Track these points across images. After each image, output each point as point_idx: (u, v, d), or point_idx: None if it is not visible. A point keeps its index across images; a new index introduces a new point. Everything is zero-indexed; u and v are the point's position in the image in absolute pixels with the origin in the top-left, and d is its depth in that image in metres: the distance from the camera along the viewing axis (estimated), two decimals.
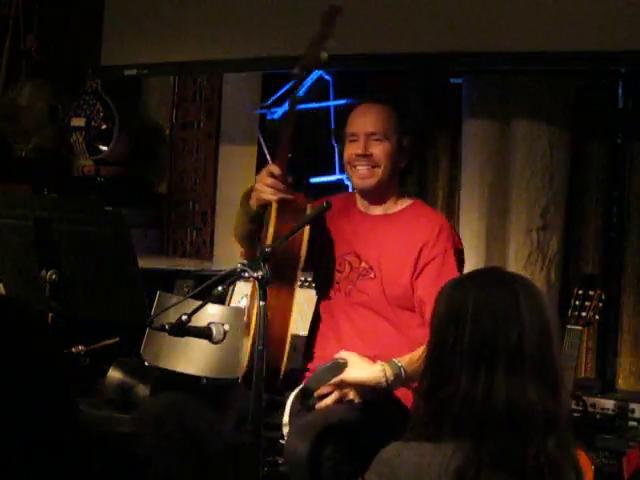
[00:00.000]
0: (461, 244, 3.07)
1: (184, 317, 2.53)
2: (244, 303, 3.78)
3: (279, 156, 3.14)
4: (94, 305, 3.07)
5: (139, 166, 5.28)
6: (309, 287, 3.52)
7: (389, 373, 2.79)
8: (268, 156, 4.80)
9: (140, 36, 4.85)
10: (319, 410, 2.81)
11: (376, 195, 3.08)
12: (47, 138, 5.30)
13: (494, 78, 4.15)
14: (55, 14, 5.42)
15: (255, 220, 3.06)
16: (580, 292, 3.28)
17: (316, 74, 4.65)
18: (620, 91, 4.01)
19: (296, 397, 2.88)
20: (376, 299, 3.00)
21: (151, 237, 5.22)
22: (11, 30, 5.32)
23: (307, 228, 2.94)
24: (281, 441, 2.84)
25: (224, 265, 4.25)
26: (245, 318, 3.05)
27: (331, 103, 4.68)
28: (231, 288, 3.93)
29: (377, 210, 3.10)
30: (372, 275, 3.02)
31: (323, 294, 3.14)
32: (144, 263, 3.65)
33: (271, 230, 2.96)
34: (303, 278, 4.05)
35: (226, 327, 2.57)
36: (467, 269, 4.08)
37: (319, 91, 4.68)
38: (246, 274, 2.52)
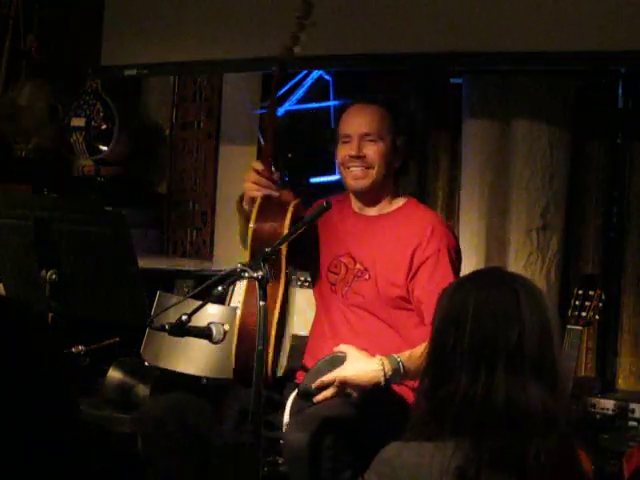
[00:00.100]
0: (456, 241, 3.06)
1: (184, 317, 2.53)
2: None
3: (263, 154, 3.15)
4: (94, 305, 3.07)
5: (139, 166, 5.28)
6: (309, 287, 3.53)
7: (387, 367, 2.78)
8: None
9: (140, 36, 4.85)
10: (319, 403, 2.81)
11: (370, 196, 3.07)
12: (47, 138, 5.30)
13: (494, 78, 4.15)
14: (55, 14, 5.42)
15: None
16: (580, 292, 3.28)
17: (316, 74, 4.65)
18: (620, 91, 4.01)
19: (296, 396, 2.88)
20: (371, 300, 3.00)
21: (151, 237, 5.22)
22: (11, 30, 5.32)
23: (286, 230, 2.93)
24: (282, 441, 2.84)
25: (224, 265, 4.25)
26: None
27: (331, 103, 4.68)
28: (231, 288, 3.93)
29: (371, 211, 3.09)
30: (367, 276, 3.02)
31: (320, 296, 3.14)
32: (144, 263, 3.64)
33: (251, 225, 2.98)
34: (303, 278, 4.06)
35: (226, 327, 2.57)
36: (467, 269, 4.08)
37: (319, 91, 4.69)
38: (246, 274, 2.52)
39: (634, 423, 3.54)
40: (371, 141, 3.02)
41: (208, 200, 5.11)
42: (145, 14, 4.85)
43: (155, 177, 5.36)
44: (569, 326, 3.21)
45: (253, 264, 2.54)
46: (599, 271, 3.99)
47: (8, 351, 1.42)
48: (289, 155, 4.86)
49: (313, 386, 2.79)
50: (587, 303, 3.25)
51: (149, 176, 5.36)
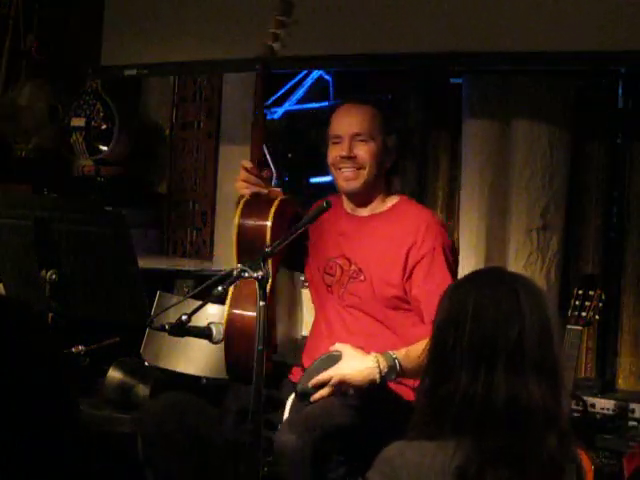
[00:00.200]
0: (451, 238, 3.05)
1: (184, 317, 2.53)
2: None
3: (251, 153, 3.14)
4: (94, 305, 3.07)
5: (139, 166, 5.28)
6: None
7: (383, 365, 2.78)
8: (268, 156, 4.79)
9: (140, 36, 4.85)
10: (316, 402, 2.81)
11: (362, 196, 3.06)
12: (47, 138, 5.30)
13: (494, 78, 4.15)
14: (55, 14, 5.41)
15: None
16: (580, 292, 3.28)
17: (316, 74, 4.65)
18: (620, 91, 4.01)
19: (295, 398, 2.88)
20: (367, 301, 3.00)
21: (151, 237, 5.22)
22: (11, 30, 5.31)
23: (269, 224, 2.95)
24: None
25: (224, 265, 4.25)
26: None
27: (331, 103, 4.68)
28: (231, 288, 3.93)
29: (364, 211, 3.08)
30: (362, 278, 3.01)
31: (317, 297, 3.14)
32: (144, 263, 3.65)
33: (235, 222, 3.00)
34: (302, 278, 4.06)
35: None
36: (467, 269, 4.08)
37: (319, 91, 4.69)
38: (246, 274, 2.52)
39: (634, 423, 3.54)
40: (362, 141, 3.00)
41: (208, 200, 5.11)
42: (145, 14, 4.84)
43: (155, 177, 5.36)
44: (569, 326, 3.21)
45: (253, 264, 2.54)
46: (599, 271, 3.99)
47: (8, 351, 1.42)
48: (289, 155, 4.86)
49: (309, 385, 2.80)
50: (587, 303, 3.25)
51: (149, 176, 5.36)
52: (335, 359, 2.81)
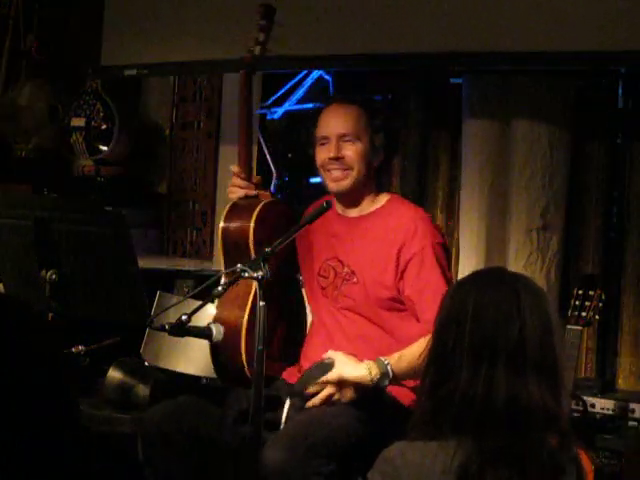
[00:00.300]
0: (440, 235, 3.02)
1: (184, 317, 2.53)
2: None
3: (239, 156, 3.15)
4: (94, 305, 3.07)
5: (139, 166, 5.28)
6: None
7: (375, 372, 2.78)
8: (268, 156, 4.80)
9: (140, 36, 4.85)
10: (298, 418, 2.80)
11: (352, 197, 3.04)
12: (47, 138, 5.30)
13: (494, 78, 4.15)
14: (55, 14, 5.42)
15: None
16: (580, 292, 3.28)
17: (316, 74, 4.65)
18: (620, 91, 4.01)
19: (290, 407, 2.88)
20: (361, 303, 2.99)
21: (151, 237, 5.22)
22: (11, 30, 5.32)
23: (252, 225, 2.96)
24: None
25: None
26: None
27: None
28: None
29: (353, 212, 3.06)
30: (355, 280, 3.00)
31: (312, 300, 3.14)
32: (144, 263, 3.64)
33: (220, 225, 3.02)
34: (301, 278, 4.06)
35: None
36: (467, 269, 4.10)
37: (319, 91, 4.69)
38: (246, 274, 2.52)
39: (634, 423, 3.54)
40: (349, 142, 2.99)
41: (208, 200, 5.11)
42: (145, 14, 4.85)
43: (155, 177, 5.36)
44: (569, 326, 3.21)
45: (253, 264, 2.54)
46: (599, 271, 3.99)
47: (8, 351, 1.42)
48: (289, 155, 4.86)
49: (304, 390, 2.80)
50: (587, 303, 3.25)
51: (149, 176, 5.36)
52: (327, 367, 2.80)
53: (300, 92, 4.73)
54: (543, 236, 4.03)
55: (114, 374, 3.74)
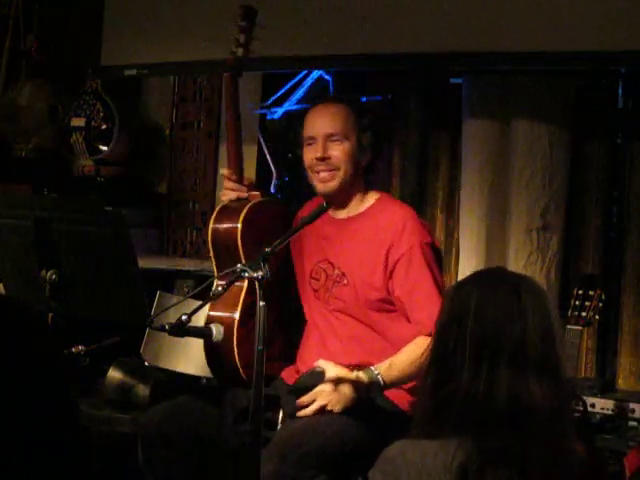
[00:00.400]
0: (429, 235, 2.99)
1: (184, 317, 2.53)
2: None
3: (228, 158, 3.14)
4: (94, 305, 3.07)
5: (139, 166, 5.28)
6: None
7: (364, 383, 2.77)
8: (268, 156, 4.80)
9: (140, 36, 4.85)
10: (291, 426, 2.80)
11: (340, 198, 3.02)
12: (47, 138, 5.29)
13: (494, 78, 4.15)
14: (55, 14, 5.41)
15: None
16: (580, 292, 3.28)
17: (316, 74, 4.65)
18: (620, 91, 4.01)
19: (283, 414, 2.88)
20: (352, 305, 2.98)
21: (151, 237, 5.21)
22: (11, 30, 5.31)
23: (239, 226, 2.95)
24: None
25: None
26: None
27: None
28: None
29: (342, 213, 3.05)
30: (345, 281, 2.99)
31: (305, 302, 3.13)
32: (144, 263, 3.64)
33: (210, 226, 3.03)
34: None
35: None
36: (467, 269, 4.10)
37: (319, 91, 4.68)
38: (246, 274, 2.52)
39: (634, 423, 3.54)
40: (336, 141, 2.97)
41: (208, 200, 5.11)
42: (145, 14, 4.84)
43: (155, 177, 5.36)
44: (569, 326, 3.21)
45: (253, 264, 2.54)
46: (599, 271, 3.99)
47: (8, 351, 1.42)
48: (289, 155, 4.86)
49: (298, 401, 2.80)
50: (587, 303, 3.24)
51: (149, 176, 5.36)
52: (318, 376, 2.80)
53: (300, 92, 4.72)
54: (543, 236, 4.03)
55: (114, 374, 3.74)
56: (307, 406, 2.78)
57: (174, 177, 5.25)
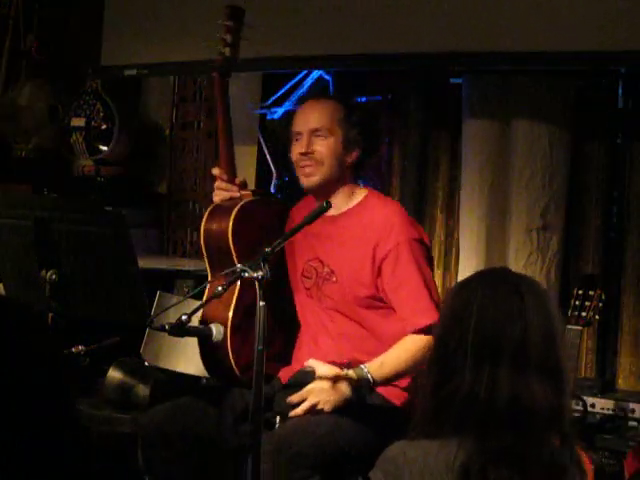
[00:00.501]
0: (417, 231, 2.97)
1: (184, 317, 2.53)
2: None
3: (220, 158, 3.14)
4: (94, 305, 3.06)
5: (139, 166, 5.28)
6: None
7: (354, 382, 2.77)
8: (268, 156, 4.80)
9: (140, 36, 4.85)
10: (283, 426, 2.79)
11: (325, 193, 2.99)
12: (47, 138, 5.30)
13: (494, 78, 4.15)
14: (55, 14, 5.42)
15: None
16: (580, 292, 3.28)
17: (316, 74, 4.65)
18: (620, 91, 4.01)
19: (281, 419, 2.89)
20: (341, 302, 2.98)
21: (151, 237, 5.22)
22: (11, 30, 5.32)
23: (230, 226, 2.95)
24: None
25: None
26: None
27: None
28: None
29: (331, 210, 2.98)
30: (334, 279, 2.99)
31: (298, 301, 3.12)
32: (144, 263, 3.64)
33: (202, 226, 3.02)
34: None
35: None
36: (467, 269, 4.10)
37: (319, 91, 4.68)
38: (246, 274, 2.52)
39: (634, 423, 3.54)
40: (320, 136, 2.96)
41: (208, 200, 5.08)
42: (145, 14, 4.85)
43: (155, 177, 5.36)
44: (569, 326, 3.21)
45: (253, 264, 2.54)
46: (599, 271, 3.99)
47: (8, 351, 1.42)
48: (289, 155, 4.86)
49: (288, 400, 2.80)
50: (587, 303, 3.25)
51: (149, 176, 5.36)
52: (308, 375, 2.80)
53: (300, 92, 4.72)
54: (543, 236, 4.03)
55: (114, 374, 3.74)
56: (298, 405, 2.77)
57: (174, 177, 5.25)
